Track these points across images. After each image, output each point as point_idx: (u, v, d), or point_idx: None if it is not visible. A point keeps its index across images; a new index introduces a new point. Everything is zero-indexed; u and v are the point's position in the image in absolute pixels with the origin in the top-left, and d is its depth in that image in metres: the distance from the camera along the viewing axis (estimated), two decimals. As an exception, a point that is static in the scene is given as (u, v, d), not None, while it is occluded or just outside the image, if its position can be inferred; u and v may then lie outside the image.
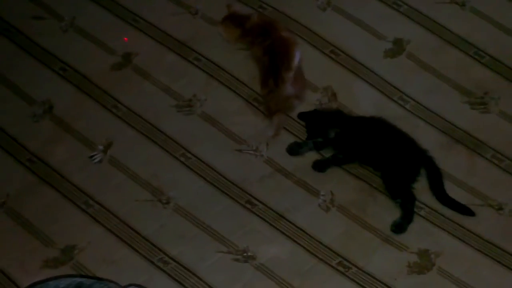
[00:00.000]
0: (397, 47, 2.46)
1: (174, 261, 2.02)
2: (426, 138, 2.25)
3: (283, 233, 2.07)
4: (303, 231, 2.07)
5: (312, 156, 2.20)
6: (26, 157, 2.22)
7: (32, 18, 2.53)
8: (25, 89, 2.36)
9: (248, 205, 2.13)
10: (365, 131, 2.14)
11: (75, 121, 2.29)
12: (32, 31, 2.49)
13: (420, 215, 2.11)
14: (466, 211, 2.08)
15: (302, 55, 2.24)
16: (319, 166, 2.15)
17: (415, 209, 2.10)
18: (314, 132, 2.16)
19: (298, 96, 2.23)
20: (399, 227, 2.06)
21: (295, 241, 2.06)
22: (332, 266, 2.02)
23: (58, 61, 2.42)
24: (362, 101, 2.33)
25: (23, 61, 2.43)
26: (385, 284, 1.99)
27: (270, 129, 2.22)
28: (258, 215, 2.11)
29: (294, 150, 2.18)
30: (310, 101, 2.31)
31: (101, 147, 2.23)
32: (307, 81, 2.33)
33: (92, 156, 2.22)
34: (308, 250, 2.04)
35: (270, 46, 2.20)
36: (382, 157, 2.10)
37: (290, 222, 2.09)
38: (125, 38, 2.39)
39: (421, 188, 2.15)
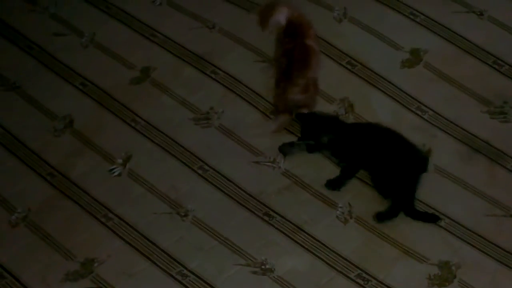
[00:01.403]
0: (414, 57, 2.41)
1: (193, 273, 1.99)
2: (445, 148, 2.20)
3: (301, 245, 2.03)
4: (322, 243, 2.03)
5: (328, 170, 2.14)
6: (47, 171, 2.21)
7: (54, 34, 2.54)
8: (46, 104, 2.36)
9: (266, 217, 2.09)
10: (358, 134, 2.08)
11: (95, 135, 2.28)
12: (53, 48, 2.50)
13: (441, 226, 2.05)
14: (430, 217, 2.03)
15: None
16: (332, 185, 2.11)
17: (437, 222, 2.04)
18: (307, 135, 2.12)
19: (307, 105, 2.19)
20: (380, 216, 2.02)
21: (313, 253, 2.01)
22: (351, 279, 1.96)
23: (78, 77, 2.42)
24: (380, 112, 2.28)
25: (45, 77, 2.43)
26: (405, 297, 1.93)
27: (273, 125, 2.20)
28: (276, 227, 2.07)
29: (285, 149, 2.15)
30: (327, 112, 2.27)
31: (120, 161, 2.22)
32: (323, 92, 2.29)
33: (111, 170, 2.21)
34: (326, 262, 1.99)
35: (291, 50, 2.16)
36: (375, 157, 2.05)
37: (308, 234, 2.04)
38: None
39: (441, 198, 2.09)
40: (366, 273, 1.97)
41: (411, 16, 2.51)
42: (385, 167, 2.04)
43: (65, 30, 2.55)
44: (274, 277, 1.98)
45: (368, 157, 2.07)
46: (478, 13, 2.50)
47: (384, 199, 2.05)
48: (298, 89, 2.14)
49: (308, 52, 2.16)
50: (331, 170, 2.14)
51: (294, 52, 2.15)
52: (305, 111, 2.20)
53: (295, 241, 2.03)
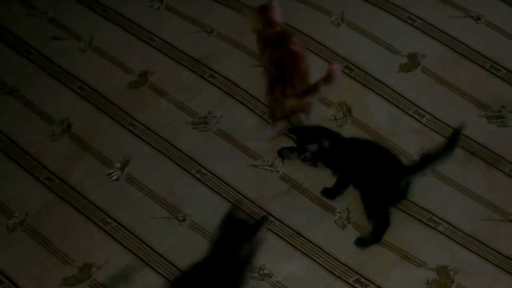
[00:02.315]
0: (412, 62, 2.38)
1: (191, 278, 1.96)
2: (443, 152, 2.17)
3: (299, 250, 2.00)
4: (320, 248, 2.00)
5: (326, 175, 2.11)
6: (44, 175, 2.18)
7: (52, 38, 2.51)
8: (44, 108, 2.33)
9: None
10: (349, 149, 2.02)
11: (93, 139, 2.25)
12: (51, 52, 2.47)
13: (438, 231, 2.02)
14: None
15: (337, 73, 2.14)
16: (328, 194, 2.07)
17: (433, 224, 2.02)
18: (302, 148, 2.05)
19: (304, 109, 2.16)
20: (362, 242, 1.98)
21: (311, 258, 1.99)
22: (350, 284, 1.94)
23: (76, 80, 2.40)
24: (377, 116, 2.26)
25: (43, 81, 2.41)
26: (403, 302, 1.90)
27: (272, 131, 2.17)
28: (274, 232, 2.04)
29: (285, 153, 2.10)
30: (325, 116, 2.26)
31: (118, 165, 2.19)
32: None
33: (109, 174, 2.18)
34: (325, 268, 1.97)
35: (278, 58, 2.14)
36: (362, 176, 1.98)
37: (307, 239, 2.02)
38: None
39: (439, 203, 2.07)
40: (364, 278, 1.94)
41: (409, 21, 2.49)
42: (369, 187, 1.98)
43: (63, 34, 2.52)
44: (272, 282, 1.95)
45: (354, 175, 2.01)
46: (475, 18, 2.48)
47: (367, 219, 1.98)
48: (295, 92, 2.11)
49: (295, 57, 2.14)
50: (330, 175, 2.12)
51: (282, 58, 2.13)
52: (302, 116, 2.17)
53: (294, 246, 2.01)
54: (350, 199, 2.08)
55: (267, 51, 2.19)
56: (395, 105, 2.29)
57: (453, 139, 1.95)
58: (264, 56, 2.21)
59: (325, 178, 2.11)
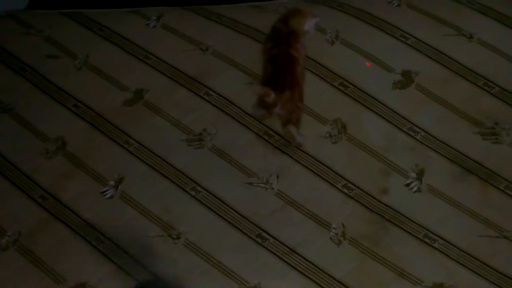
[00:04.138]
0: (406, 79, 2.37)
1: (185, 297, 1.92)
2: (438, 168, 2.16)
3: (294, 268, 1.96)
4: (315, 265, 1.96)
5: (322, 188, 2.09)
6: (38, 193, 2.15)
7: (47, 57, 2.49)
8: (38, 126, 2.30)
9: (259, 239, 2.02)
10: None
11: (87, 157, 2.22)
12: (46, 70, 2.45)
13: (434, 247, 1.99)
14: None
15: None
16: None
17: (428, 241, 1.99)
18: None
19: (291, 118, 2.10)
20: None
21: (306, 276, 1.95)
22: (345, 302, 1.90)
23: (71, 98, 2.37)
24: (372, 133, 2.24)
25: (37, 99, 2.38)
26: (400, 320, 1.86)
27: (257, 111, 2.14)
28: (269, 250, 2.00)
29: None
30: (320, 133, 2.23)
31: (112, 183, 2.16)
32: (315, 113, 2.25)
33: (103, 192, 2.14)
34: (320, 285, 1.93)
35: (275, 57, 2.09)
36: None
37: (302, 257, 1.98)
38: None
39: (434, 219, 2.04)
40: (360, 296, 1.91)
41: (402, 39, 2.48)
42: None
43: (58, 52, 2.50)
44: (267, 300, 1.91)
45: None
46: (468, 36, 2.48)
47: None
48: (284, 98, 2.06)
49: (292, 61, 2.10)
50: (325, 188, 2.09)
51: (278, 59, 2.09)
52: (292, 128, 2.14)
53: (288, 264, 1.97)
54: (346, 215, 2.05)
55: (268, 44, 2.14)
56: (389, 122, 2.27)
57: None
58: (264, 47, 2.16)
59: (320, 192, 2.08)
